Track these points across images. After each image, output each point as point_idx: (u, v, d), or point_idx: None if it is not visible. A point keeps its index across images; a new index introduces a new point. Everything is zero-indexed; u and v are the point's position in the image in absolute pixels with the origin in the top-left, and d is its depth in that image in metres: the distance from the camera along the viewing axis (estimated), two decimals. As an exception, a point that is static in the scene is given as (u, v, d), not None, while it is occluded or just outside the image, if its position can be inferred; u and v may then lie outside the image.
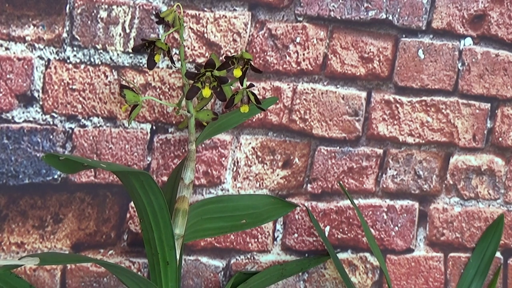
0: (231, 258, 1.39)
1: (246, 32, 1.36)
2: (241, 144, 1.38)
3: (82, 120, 1.26)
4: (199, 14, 1.32)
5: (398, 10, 1.46)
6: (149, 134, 1.31)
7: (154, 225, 1.16)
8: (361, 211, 1.48)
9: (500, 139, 1.58)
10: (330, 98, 1.43)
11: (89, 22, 1.25)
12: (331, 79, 1.43)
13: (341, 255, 1.48)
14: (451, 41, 1.52)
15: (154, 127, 1.31)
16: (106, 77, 1.27)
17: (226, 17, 1.34)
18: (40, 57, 1.23)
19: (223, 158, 1.37)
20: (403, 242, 1.52)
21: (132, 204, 1.30)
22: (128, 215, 1.31)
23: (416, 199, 1.53)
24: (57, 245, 1.26)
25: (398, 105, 1.49)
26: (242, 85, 1.21)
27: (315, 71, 1.42)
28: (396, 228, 1.51)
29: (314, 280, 1.46)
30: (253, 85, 1.21)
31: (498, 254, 1.62)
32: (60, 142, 1.25)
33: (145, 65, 1.30)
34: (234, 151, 1.37)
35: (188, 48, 1.32)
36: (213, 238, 1.37)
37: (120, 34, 1.27)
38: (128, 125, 1.29)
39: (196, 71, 1.24)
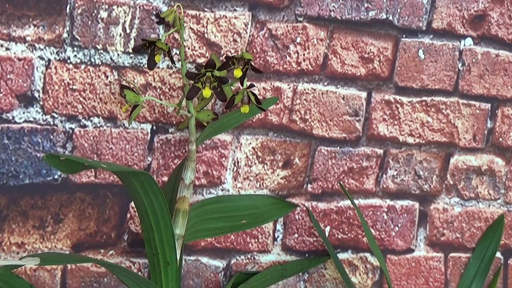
0: (231, 258, 1.39)
1: (247, 32, 1.36)
2: (241, 144, 1.38)
3: (83, 120, 1.26)
4: (199, 14, 1.32)
5: (399, 10, 1.46)
6: (149, 134, 1.31)
7: (154, 225, 1.16)
8: (361, 211, 1.48)
9: (500, 139, 1.58)
10: (330, 98, 1.43)
11: (89, 22, 1.25)
12: (331, 79, 1.43)
13: (342, 255, 1.48)
14: (451, 41, 1.52)
15: (154, 127, 1.31)
16: (107, 77, 1.27)
17: (226, 17, 1.34)
18: (41, 57, 1.23)
19: (224, 158, 1.37)
20: (403, 242, 1.52)
21: (132, 204, 1.30)
22: (128, 215, 1.31)
23: (416, 199, 1.53)
24: (58, 245, 1.26)
25: (398, 105, 1.49)
26: (242, 85, 1.21)
27: (316, 71, 1.42)
28: (396, 228, 1.51)
29: (314, 280, 1.46)
30: (254, 85, 1.21)
31: (498, 254, 1.62)
32: (60, 142, 1.25)
33: (146, 65, 1.30)
34: (234, 151, 1.37)
35: (189, 48, 1.32)
36: (213, 238, 1.37)
37: (120, 34, 1.27)
38: (129, 125, 1.29)
39: (196, 71, 1.25)
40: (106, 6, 1.26)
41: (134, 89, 1.21)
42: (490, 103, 1.57)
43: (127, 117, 1.29)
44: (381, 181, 1.49)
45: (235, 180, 1.38)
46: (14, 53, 1.21)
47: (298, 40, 1.40)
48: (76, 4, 1.24)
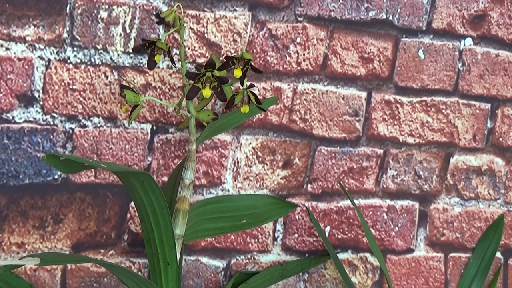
0: (231, 258, 1.39)
1: (247, 32, 1.36)
2: (241, 144, 1.38)
3: (83, 120, 1.26)
4: (199, 14, 1.32)
5: (399, 10, 1.46)
6: (149, 134, 1.31)
7: (154, 225, 1.16)
8: (361, 211, 1.48)
9: (500, 139, 1.58)
10: (330, 98, 1.43)
11: (89, 22, 1.25)
12: (331, 79, 1.43)
13: (342, 255, 1.48)
14: (452, 41, 1.52)
15: (154, 127, 1.31)
16: (107, 77, 1.27)
17: (226, 17, 1.34)
18: (41, 57, 1.23)
19: (224, 158, 1.37)
20: (403, 242, 1.52)
21: (132, 204, 1.30)
22: (128, 215, 1.31)
23: (416, 199, 1.53)
24: (58, 245, 1.26)
25: (398, 105, 1.49)
26: (242, 85, 1.21)
27: (316, 71, 1.42)
28: (396, 228, 1.51)
29: (314, 280, 1.46)
30: (254, 85, 1.21)
31: (498, 254, 1.62)
32: (60, 142, 1.25)
33: (146, 65, 1.30)
34: (234, 151, 1.37)
35: (189, 48, 1.32)
36: (213, 238, 1.37)
37: (120, 34, 1.27)
38: (129, 125, 1.29)
39: (196, 71, 1.25)
40: (106, 6, 1.26)
41: (134, 89, 1.21)
42: (490, 103, 1.57)
43: (127, 117, 1.29)
44: (381, 181, 1.49)
45: (235, 180, 1.38)
46: (14, 53, 1.21)
47: (298, 40, 1.40)
48: (76, 4, 1.24)
